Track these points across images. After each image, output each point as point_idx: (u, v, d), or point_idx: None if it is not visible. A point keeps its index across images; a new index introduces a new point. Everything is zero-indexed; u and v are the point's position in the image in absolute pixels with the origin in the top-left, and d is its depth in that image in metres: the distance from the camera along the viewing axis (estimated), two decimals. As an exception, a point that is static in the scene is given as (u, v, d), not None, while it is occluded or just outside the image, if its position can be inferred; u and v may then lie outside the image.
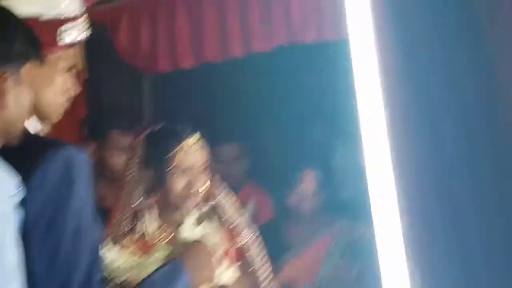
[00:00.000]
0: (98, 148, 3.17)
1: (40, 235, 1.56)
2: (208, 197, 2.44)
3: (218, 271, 2.14)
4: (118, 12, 3.74)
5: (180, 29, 3.62)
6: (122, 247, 2.33)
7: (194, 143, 2.37)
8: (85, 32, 1.89)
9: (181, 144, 2.35)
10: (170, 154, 2.34)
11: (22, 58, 1.55)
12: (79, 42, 1.89)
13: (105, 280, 1.69)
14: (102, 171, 3.14)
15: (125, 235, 2.38)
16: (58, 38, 1.80)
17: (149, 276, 1.80)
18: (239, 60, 3.64)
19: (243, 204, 3.03)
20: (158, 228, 2.39)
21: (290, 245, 3.27)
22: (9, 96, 1.52)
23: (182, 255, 1.89)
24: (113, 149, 3.18)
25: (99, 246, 1.66)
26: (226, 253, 2.42)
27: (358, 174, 3.25)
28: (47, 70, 1.77)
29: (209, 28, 3.58)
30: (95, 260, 1.62)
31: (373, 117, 1.37)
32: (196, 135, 2.39)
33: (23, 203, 1.53)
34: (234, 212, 2.51)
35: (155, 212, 2.40)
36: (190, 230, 2.17)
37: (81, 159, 1.63)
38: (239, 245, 2.47)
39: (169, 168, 2.33)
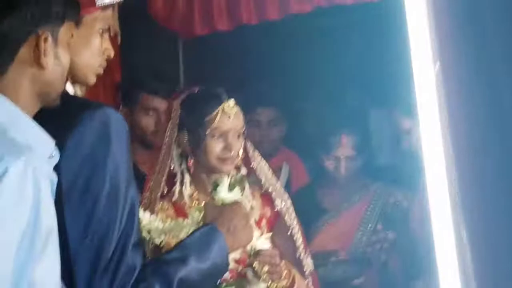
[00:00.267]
0: (130, 112, 3.16)
1: (75, 197, 1.55)
2: (242, 162, 2.42)
3: (254, 235, 2.13)
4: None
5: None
6: (159, 210, 2.34)
7: (234, 106, 2.35)
8: (122, -7, 1.87)
9: (221, 106, 2.33)
10: (209, 117, 2.32)
11: (61, 19, 1.54)
12: (116, 3, 1.87)
13: (141, 242, 1.68)
14: (135, 135, 3.13)
15: (161, 198, 2.39)
16: (96, -2, 1.78)
17: (185, 239, 1.79)
18: (276, 22, 3.59)
19: (277, 168, 3.02)
20: (194, 191, 2.39)
21: (326, 210, 3.26)
22: (49, 56, 1.51)
23: (218, 218, 1.87)
24: (142, 112, 3.17)
25: (136, 208, 1.65)
26: (261, 218, 2.41)
27: (394, 139, 3.24)
28: (84, 31, 1.75)
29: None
30: (131, 221, 1.62)
31: (424, 81, 1.32)
32: (234, 99, 2.37)
33: (57, 166, 1.53)
34: (269, 177, 2.50)
35: (191, 175, 2.40)
36: (226, 193, 2.16)
37: (117, 119, 1.62)
38: (274, 210, 2.46)
39: (207, 131, 2.32)
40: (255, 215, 2.38)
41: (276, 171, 2.98)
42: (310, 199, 3.27)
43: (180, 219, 2.22)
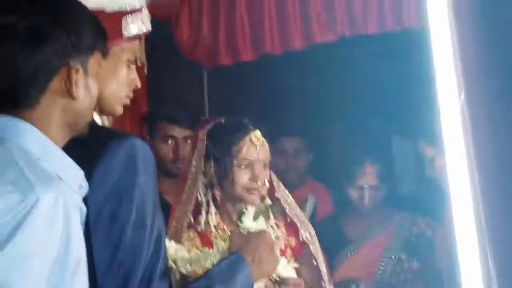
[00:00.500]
0: (152, 142, 3.19)
1: (103, 228, 1.56)
2: (267, 192, 2.43)
3: (279, 265, 2.13)
4: (179, 6, 3.75)
5: (241, 21, 3.62)
6: (185, 239, 2.35)
7: (261, 137, 2.36)
8: (148, 24, 1.89)
9: (248, 136, 2.35)
10: (236, 147, 2.34)
11: (90, 50, 1.56)
12: (143, 34, 1.89)
13: (168, 271, 1.69)
14: (159, 164, 3.15)
15: (188, 227, 2.39)
16: (122, 30, 1.80)
17: (211, 269, 1.80)
18: (299, 52, 3.61)
19: (303, 199, 3.02)
20: (220, 221, 2.39)
21: (350, 240, 3.24)
22: (80, 87, 1.53)
23: (243, 247, 1.88)
24: (161, 140, 3.19)
25: (162, 237, 1.65)
26: (286, 247, 2.41)
27: (418, 168, 3.22)
28: (111, 62, 1.77)
29: (269, 20, 3.57)
30: (158, 251, 1.63)
31: (449, 111, 1.32)
32: (261, 129, 2.39)
33: (85, 196, 1.54)
34: (293, 206, 2.50)
35: (217, 205, 2.41)
36: (250, 222, 2.16)
37: (144, 149, 1.64)
38: (299, 239, 2.46)
39: (234, 161, 2.33)
40: (280, 245, 2.38)
41: (302, 202, 2.98)
42: (334, 228, 3.26)
43: (206, 249, 2.23)
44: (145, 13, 1.89)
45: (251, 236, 1.97)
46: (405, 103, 3.67)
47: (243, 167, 2.34)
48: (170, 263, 2.10)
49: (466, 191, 1.30)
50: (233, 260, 1.81)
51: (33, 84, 1.50)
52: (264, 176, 2.36)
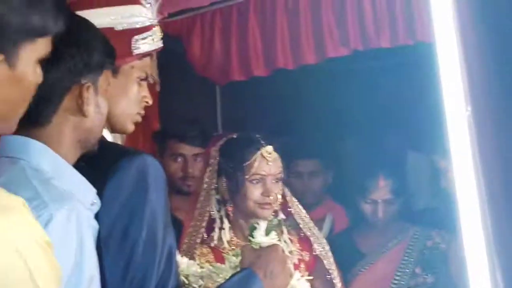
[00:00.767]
0: (161, 159, 3.19)
1: (114, 245, 1.57)
2: (280, 207, 2.43)
3: (292, 280, 2.12)
4: (191, 23, 3.76)
5: (253, 37, 3.62)
6: (198, 255, 2.35)
7: (272, 152, 2.37)
8: (159, 42, 1.91)
9: (260, 152, 2.35)
10: (248, 162, 2.34)
11: (100, 68, 1.57)
12: (153, 52, 1.90)
13: (180, 287, 1.69)
14: (169, 182, 3.15)
15: (201, 243, 2.40)
16: (132, 48, 1.81)
17: (223, 284, 1.80)
18: (313, 66, 3.61)
19: (321, 219, 3.00)
20: (233, 237, 2.40)
21: (364, 254, 3.23)
22: (91, 105, 1.55)
23: (255, 262, 1.88)
24: (169, 158, 3.20)
25: (173, 253, 1.66)
26: (300, 262, 2.40)
27: (431, 181, 3.20)
28: (121, 79, 1.78)
29: (281, 35, 3.57)
30: (170, 267, 1.63)
31: (457, 124, 1.33)
32: (273, 144, 2.40)
33: (96, 214, 1.55)
34: (307, 221, 2.50)
35: (230, 220, 2.41)
36: (262, 237, 2.16)
37: (155, 166, 1.64)
38: (313, 254, 2.45)
39: (246, 176, 2.34)
40: (294, 259, 2.37)
41: (319, 221, 2.97)
42: (348, 243, 3.24)
43: (218, 264, 2.23)
44: (156, 30, 1.90)
45: (262, 251, 1.97)
46: (419, 117, 3.66)
47: (255, 182, 2.35)
48: (183, 278, 2.10)
49: (474, 204, 1.30)
50: (245, 275, 1.81)
51: (47, 103, 1.51)
52: (277, 191, 2.37)
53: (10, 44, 1.19)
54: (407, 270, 3.13)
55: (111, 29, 1.77)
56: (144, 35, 1.85)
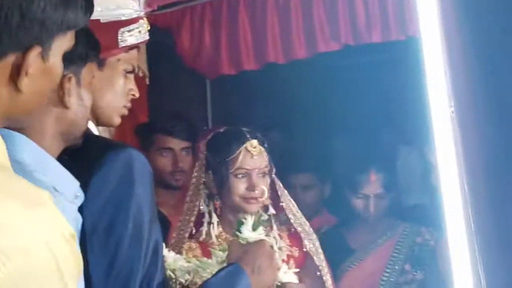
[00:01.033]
0: (147, 154, 3.16)
1: (99, 239, 1.56)
2: (270, 202, 2.41)
3: (282, 270, 2.12)
4: (181, 16, 3.75)
5: (243, 30, 3.61)
6: (185, 249, 2.33)
7: (257, 145, 2.35)
8: (146, 34, 1.89)
9: (244, 145, 2.33)
10: (232, 156, 2.32)
11: (83, 60, 1.56)
12: (140, 44, 1.88)
13: (166, 282, 1.68)
14: (156, 177, 3.12)
15: (189, 238, 2.38)
16: (119, 40, 1.80)
17: (209, 279, 1.79)
18: (304, 60, 3.60)
19: (317, 231, 2.96)
20: (222, 232, 2.38)
21: (353, 251, 3.22)
22: (73, 97, 1.53)
23: (242, 257, 1.86)
24: (157, 153, 3.17)
25: (159, 248, 1.64)
26: (289, 258, 2.39)
27: (423, 178, 3.20)
28: (108, 72, 1.77)
29: (271, 29, 3.56)
30: (156, 262, 1.62)
31: (443, 119, 1.33)
32: (258, 138, 2.37)
33: (81, 207, 1.53)
34: (298, 216, 2.48)
35: (218, 215, 2.40)
36: (249, 232, 2.15)
37: (141, 160, 1.63)
38: (303, 250, 2.44)
39: (230, 170, 2.32)
40: (282, 255, 2.36)
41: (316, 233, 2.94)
42: (338, 239, 3.23)
43: (205, 259, 2.21)
44: (143, 22, 1.88)
45: (250, 246, 1.95)
46: (409, 112, 3.66)
47: (240, 176, 2.33)
48: (169, 272, 2.09)
49: (456, 196, 1.31)
50: (232, 270, 1.80)
51: None
52: (263, 185, 2.34)
53: (48, 37, 1.19)
54: (397, 267, 3.13)
55: (97, 21, 1.75)
56: (131, 27, 1.84)
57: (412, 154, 3.81)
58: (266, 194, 2.36)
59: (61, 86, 1.51)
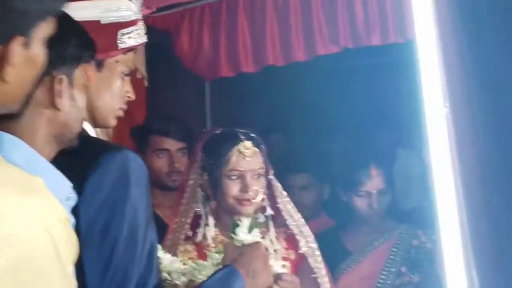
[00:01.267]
0: (143, 155, 3.15)
1: (94, 241, 1.55)
2: (268, 203, 2.41)
3: (275, 267, 2.11)
4: (180, 18, 3.75)
5: (242, 33, 3.61)
6: (181, 251, 2.33)
7: (251, 147, 2.35)
8: (144, 36, 1.89)
9: (237, 147, 2.33)
10: (225, 157, 2.32)
11: (76, 61, 1.54)
12: (138, 46, 1.89)
13: (161, 284, 1.68)
14: (152, 178, 3.13)
15: (185, 240, 2.38)
16: (118, 42, 1.80)
17: (205, 281, 1.79)
18: (302, 63, 3.60)
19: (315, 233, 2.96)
20: (218, 234, 2.38)
21: (351, 252, 3.22)
22: (65, 98, 1.52)
23: (237, 260, 1.86)
24: (153, 154, 3.17)
25: (154, 250, 1.64)
26: (285, 259, 2.39)
27: (420, 181, 3.20)
28: (106, 73, 1.77)
29: (270, 32, 3.56)
30: (151, 264, 1.62)
31: (438, 121, 1.34)
32: (254, 139, 2.37)
33: (75, 209, 1.53)
34: (296, 218, 2.48)
35: (215, 217, 2.40)
36: (244, 235, 2.14)
37: (137, 162, 1.63)
38: (299, 252, 2.44)
39: (224, 172, 2.32)
40: (278, 256, 2.36)
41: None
42: (335, 241, 3.23)
43: (200, 261, 2.21)
44: (141, 25, 1.89)
45: (245, 249, 1.95)
46: (407, 114, 3.66)
47: (233, 178, 2.33)
48: (165, 274, 2.09)
49: (451, 202, 1.31)
50: (227, 272, 1.80)
51: None
52: (258, 186, 2.34)
53: (29, 27, 1.20)
54: (393, 269, 3.13)
55: (97, 22, 1.76)
56: (130, 29, 1.84)
57: (409, 156, 3.81)
58: (261, 196, 2.36)
59: (51, 87, 1.50)
